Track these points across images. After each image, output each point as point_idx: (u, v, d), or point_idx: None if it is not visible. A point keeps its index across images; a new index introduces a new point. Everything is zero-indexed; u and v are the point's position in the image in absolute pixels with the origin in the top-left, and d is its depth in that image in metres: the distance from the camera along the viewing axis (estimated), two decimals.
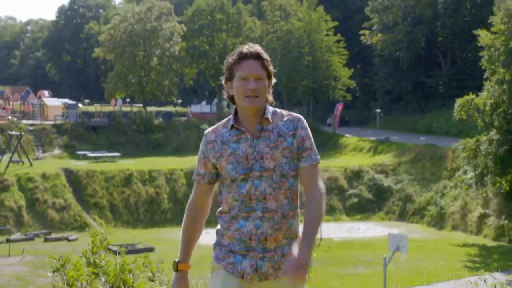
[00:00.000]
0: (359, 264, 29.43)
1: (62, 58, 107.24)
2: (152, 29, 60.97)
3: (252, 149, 3.47)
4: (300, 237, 3.46)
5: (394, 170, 44.21)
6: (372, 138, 52.21)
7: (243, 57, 3.47)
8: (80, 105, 66.64)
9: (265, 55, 3.50)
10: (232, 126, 3.53)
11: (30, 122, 51.94)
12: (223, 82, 3.59)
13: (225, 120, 3.63)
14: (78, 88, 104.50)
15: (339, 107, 58.50)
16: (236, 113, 3.58)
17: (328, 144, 52.59)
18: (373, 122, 63.71)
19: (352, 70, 63.66)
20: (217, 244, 3.61)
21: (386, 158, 45.75)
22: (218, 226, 3.63)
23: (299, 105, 68.19)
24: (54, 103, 58.43)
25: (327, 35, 61.98)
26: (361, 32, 66.53)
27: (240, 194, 3.46)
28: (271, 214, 3.45)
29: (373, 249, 31.78)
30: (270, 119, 3.51)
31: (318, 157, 3.57)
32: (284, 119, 3.55)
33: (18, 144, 42.30)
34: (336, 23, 63.02)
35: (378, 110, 60.79)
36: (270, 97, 3.58)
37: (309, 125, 3.62)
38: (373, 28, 65.22)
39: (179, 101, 74.53)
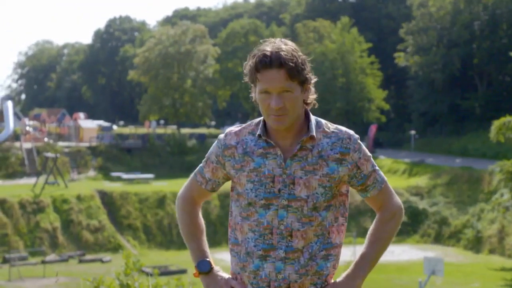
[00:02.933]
0: None
1: (97, 81, 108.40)
2: (186, 51, 61.42)
3: (281, 170, 2.67)
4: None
5: (429, 192, 43.69)
6: (407, 160, 51.71)
7: (262, 66, 2.66)
8: (114, 127, 67.24)
9: (291, 61, 2.62)
10: (260, 136, 2.73)
11: (66, 144, 52.42)
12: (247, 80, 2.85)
13: (253, 123, 2.84)
14: (113, 110, 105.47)
15: (373, 128, 58.13)
16: (265, 122, 2.78)
17: None
18: (407, 144, 63.16)
19: (386, 91, 63.27)
20: None
21: (421, 181, 45.24)
22: (231, 267, 2.85)
23: None
24: (89, 125, 59.05)
25: (361, 56, 61.77)
26: (395, 54, 66.25)
27: (259, 225, 2.69)
28: (297, 255, 2.67)
29: (408, 273, 31.32)
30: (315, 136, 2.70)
31: (383, 175, 2.84)
32: (330, 136, 2.73)
33: (53, 166, 42.69)
34: (370, 45, 62.79)
35: (413, 132, 60.27)
36: (311, 97, 2.78)
37: None
38: (408, 50, 64.91)
39: (213, 123, 74.83)
